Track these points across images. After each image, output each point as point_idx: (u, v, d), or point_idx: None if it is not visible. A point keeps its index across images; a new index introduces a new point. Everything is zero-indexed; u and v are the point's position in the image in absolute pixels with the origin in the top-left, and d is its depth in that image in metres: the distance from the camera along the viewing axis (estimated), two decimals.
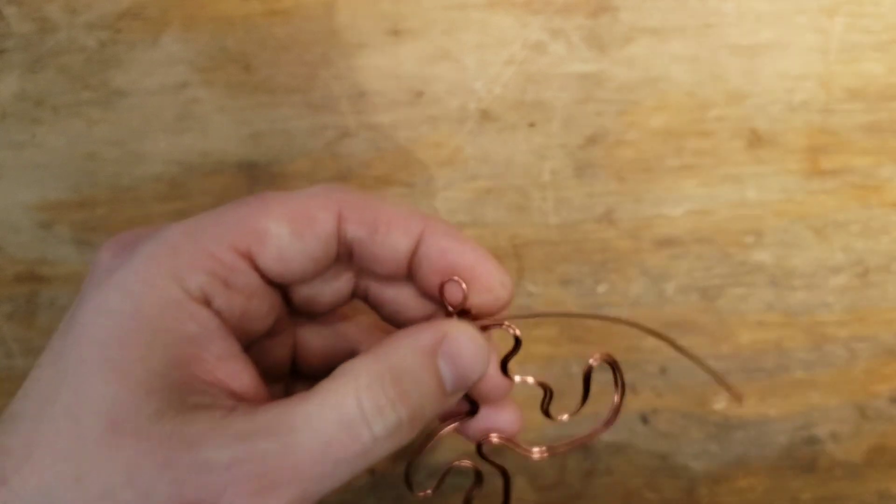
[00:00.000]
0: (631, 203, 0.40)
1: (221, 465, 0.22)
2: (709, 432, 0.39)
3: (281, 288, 0.28)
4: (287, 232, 0.26)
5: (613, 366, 0.31)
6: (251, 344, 0.28)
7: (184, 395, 0.23)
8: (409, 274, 0.28)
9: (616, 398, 0.31)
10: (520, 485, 0.39)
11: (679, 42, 0.41)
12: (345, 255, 0.28)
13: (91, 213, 0.41)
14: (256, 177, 0.41)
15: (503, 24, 0.41)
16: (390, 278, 0.29)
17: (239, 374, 0.25)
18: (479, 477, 0.31)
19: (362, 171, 0.41)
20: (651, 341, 0.40)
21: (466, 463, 0.31)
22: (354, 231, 0.27)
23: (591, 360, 0.31)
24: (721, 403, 0.39)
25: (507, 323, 0.28)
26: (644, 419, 0.39)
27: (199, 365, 0.24)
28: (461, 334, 0.27)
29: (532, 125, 0.41)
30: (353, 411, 0.24)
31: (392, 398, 0.24)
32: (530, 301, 0.40)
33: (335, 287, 0.30)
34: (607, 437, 0.39)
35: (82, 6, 0.42)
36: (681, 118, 0.41)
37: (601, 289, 0.40)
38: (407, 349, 0.26)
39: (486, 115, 0.41)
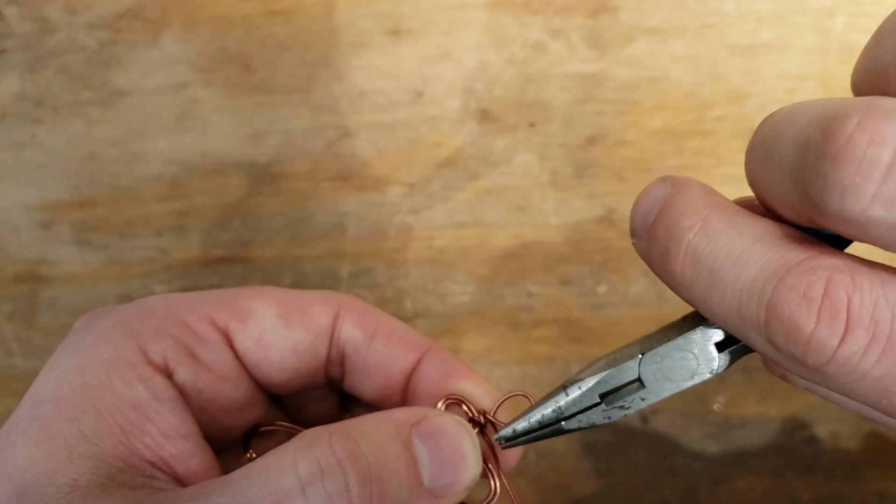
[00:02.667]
0: (631, 203, 0.40)
1: None
2: (709, 432, 0.39)
3: (263, 388, 0.25)
4: (273, 314, 0.23)
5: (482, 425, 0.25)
6: (230, 439, 0.24)
7: (114, 468, 0.20)
8: (404, 398, 0.25)
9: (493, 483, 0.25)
10: (520, 485, 0.39)
11: (679, 42, 0.41)
12: (337, 364, 0.25)
13: (91, 213, 0.41)
14: (256, 177, 0.41)
15: (503, 24, 0.41)
16: (379, 401, 0.25)
17: (186, 457, 0.21)
18: None
19: (362, 171, 0.41)
20: None
21: None
22: (350, 332, 0.24)
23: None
24: (721, 403, 0.40)
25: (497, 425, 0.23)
26: (644, 419, 0.39)
27: (139, 437, 0.21)
28: (445, 417, 0.22)
29: (532, 125, 0.41)
30: (285, 472, 0.19)
31: (338, 455, 0.19)
32: (530, 301, 0.40)
33: (326, 409, 0.27)
34: (607, 437, 0.39)
35: (82, 6, 0.42)
36: (681, 118, 0.41)
37: (601, 289, 0.40)
38: (375, 418, 0.22)
39: (486, 115, 0.41)
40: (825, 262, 0.17)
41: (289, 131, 0.41)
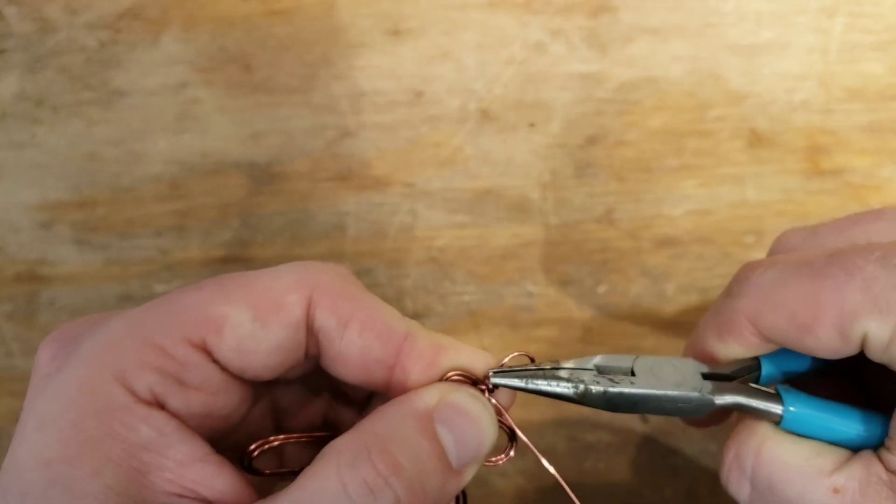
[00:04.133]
0: (631, 203, 0.40)
1: None
2: (709, 432, 0.39)
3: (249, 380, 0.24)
4: (248, 318, 0.22)
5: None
6: (228, 435, 0.24)
7: None
8: (389, 389, 0.24)
9: None
10: (520, 485, 0.39)
11: (679, 42, 0.41)
12: (313, 347, 0.24)
13: (91, 213, 0.41)
14: (256, 177, 0.41)
15: (503, 24, 0.41)
16: (360, 383, 0.25)
17: (210, 479, 0.22)
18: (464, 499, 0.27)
19: (362, 171, 0.41)
20: (651, 341, 0.40)
21: None
22: (323, 321, 0.23)
23: None
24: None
25: (497, 380, 0.25)
26: (644, 419, 0.39)
27: (159, 474, 0.21)
28: (459, 393, 0.23)
29: (532, 125, 0.41)
30: (337, 494, 0.20)
31: (383, 473, 0.20)
32: (530, 301, 0.40)
33: (305, 371, 0.26)
34: (607, 437, 0.39)
35: (82, 6, 0.42)
36: (681, 118, 0.41)
37: (601, 289, 0.40)
38: (396, 415, 0.22)
39: (486, 115, 0.41)
40: None
41: (289, 131, 0.41)
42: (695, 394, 0.24)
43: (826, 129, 0.41)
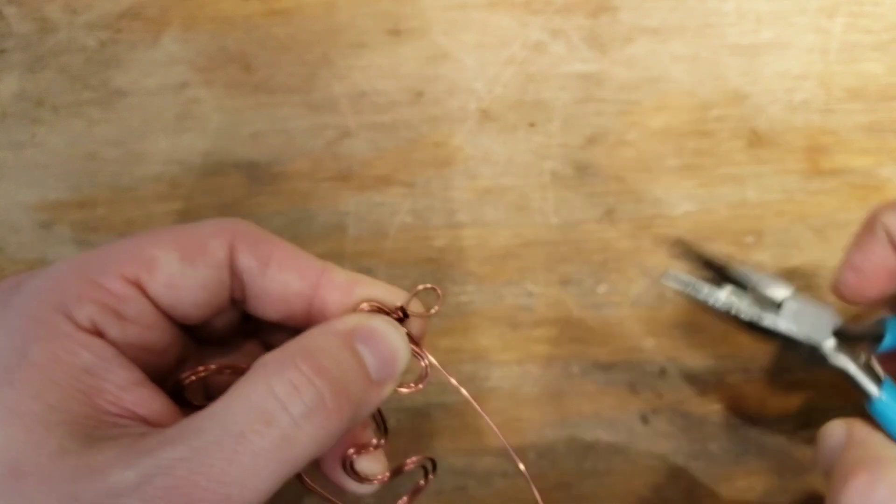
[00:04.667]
0: (631, 203, 0.40)
1: (130, 487, 0.20)
2: (709, 432, 0.39)
3: (181, 324, 0.26)
4: (176, 258, 0.25)
5: (427, 468, 0.30)
6: (163, 377, 0.26)
7: (89, 427, 0.22)
8: (310, 321, 0.26)
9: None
10: (520, 484, 0.39)
11: (679, 42, 0.41)
12: (238, 290, 0.26)
13: (91, 213, 0.41)
14: (256, 177, 0.41)
15: (503, 24, 0.41)
16: (285, 321, 0.27)
17: (148, 402, 0.23)
18: (433, 466, 0.30)
19: (362, 171, 0.41)
20: (651, 341, 0.40)
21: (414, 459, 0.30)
22: (245, 261, 0.26)
23: (407, 462, 0.29)
24: (721, 403, 0.40)
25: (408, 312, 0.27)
26: (644, 419, 0.39)
27: (100, 395, 0.23)
28: (374, 319, 0.26)
29: (532, 125, 0.41)
30: (264, 396, 0.22)
31: (307, 373, 0.22)
32: (530, 301, 0.40)
33: (232, 323, 0.28)
34: (607, 436, 0.39)
35: (82, 6, 0.42)
36: (681, 118, 0.41)
37: (601, 289, 0.40)
38: (319, 333, 0.25)
39: (486, 115, 0.41)
40: None
41: (289, 131, 0.41)
42: (815, 347, 0.30)
43: (826, 129, 0.41)
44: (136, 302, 0.24)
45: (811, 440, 0.39)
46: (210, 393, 0.27)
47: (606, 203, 0.40)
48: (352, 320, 0.25)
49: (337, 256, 0.40)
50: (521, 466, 0.30)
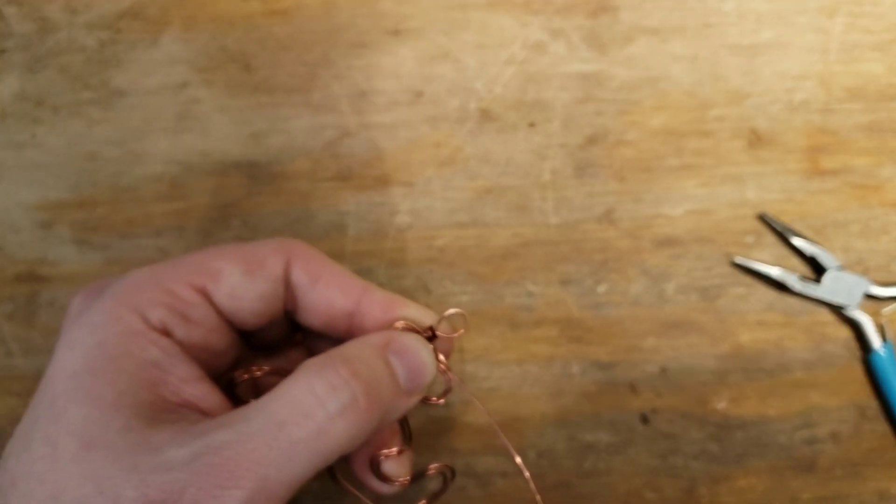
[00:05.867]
0: (631, 203, 0.40)
1: (182, 462, 0.23)
2: (709, 432, 0.39)
3: (238, 330, 0.30)
4: (239, 271, 0.28)
5: (446, 475, 0.33)
6: (219, 376, 0.29)
7: (153, 411, 0.25)
8: (350, 334, 0.30)
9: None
10: (520, 484, 0.39)
11: (679, 42, 0.41)
12: (291, 303, 0.30)
13: (91, 213, 0.41)
14: (256, 177, 0.41)
15: (503, 24, 0.41)
16: (328, 332, 0.30)
17: (205, 396, 0.26)
18: (452, 474, 0.33)
19: (362, 171, 0.41)
20: (651, 341, 0.40)
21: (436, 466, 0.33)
22: (298, 277, 0.29)
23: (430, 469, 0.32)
24: (722, 403, 0.40)
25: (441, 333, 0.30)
26: (644, 419, 0.40)
27: (165, 386, 0.26)
28: (406, 336, 0.29)
29: (532, 125, 0.41)
30: (304, 393, 0.25)
31: (344, 376, 0.25)
32: (530, 301, 0.40)
33: (283, 332, 0.32)
34: (607, 436, 0.39)
35: (82, 6, 0.42)
36: (681, 118, 0.41)
37: (601, 289, 0.40)
38: (357, 344, 0.28)
39: (486, 115, 0.41)
40: None
41: (289, 131, 0.41)
42: (839, 306, 0.39)
43: (826, 129, 0.41)
44: (201, 308, 0.28)
45: (811, 440, 0.39)
46: (259, 393, 0.30)
47: (606, 203, 0.40)
48: (387, 335, 0.28)
49: (337, 256, 0.40)
50: (524, 469, 0.32)
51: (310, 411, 0.24)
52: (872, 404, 0.40)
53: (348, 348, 0.27)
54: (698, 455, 0.39)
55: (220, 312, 0.28)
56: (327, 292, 0.29)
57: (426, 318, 0.30)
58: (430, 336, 0.30)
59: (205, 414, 0.26)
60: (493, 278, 0.40)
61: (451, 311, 0.30)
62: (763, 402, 0.39)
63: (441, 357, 0.30)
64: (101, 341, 0.26)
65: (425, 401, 0.30)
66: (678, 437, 0.39)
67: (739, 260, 0.39)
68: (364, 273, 0.40)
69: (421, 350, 0.29)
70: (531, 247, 0.40)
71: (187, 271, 0.28)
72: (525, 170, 0.41)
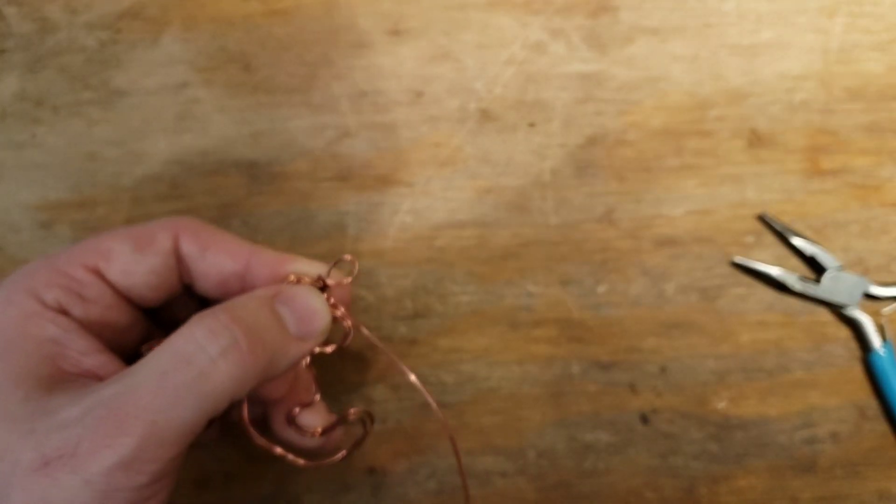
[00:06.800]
0: (631, 203, 0.40)
1: (75, 420, 0.24)
2: (709, 432, 0.39)
3: (142, 309, 0.31)
4: (129, 249, 0.30)
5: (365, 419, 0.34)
6: (130, 354, 0.30)
7: (52, 382, 0.26)
8: (242, 291, 0.30)
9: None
10: (520, 484, 0.39)
11: (679, 42, 0.41)
12: (186, 274, 0.31)
13: (91, 213, 0.41)
14: (256, 177, 0.41)
15: (503, 24, 0.41)
16: (222, 294, 0.31)
17: (105, 365, 0.28)
18: (371, 420, 0.34)
19: (362, 171, 0.41)
20: (651, 341, 0.40)
21: (355, 410, 0.34)
22: (187, 248, 0.30)
23: (351, 411, 0.34)
24: (722, 403, 0.40)
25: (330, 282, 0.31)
26: (644, 419, 0.40)
27: (64, 360, 0.27)
28: (295, 287, 0.30)
29: (532, 125, 0.41)
30: (186, 341, 0.26)
31: (224, 321, 0.26)
32: (530, 301, 0.40)
33: (188, 308, 0.32)
34: (607, 437, 0.39)
35: (82, 6, 0.42)
36: (681, 118, 0.41)
37: (601, 289, 0.40)
38: (243, 297, 0.29)
39: (486, 115, 0.41)
40: None
41: (289, 131, 0.41)
42: (842, 305, 0.39)
43: (826, 129, 0.41)
44: (95, 286, 0.29)
45: (811, 440, 0.39)
46: None
47: (606, 203, 0.40)
48: (275, 288, 0.29)
49: (337, 256, 0.40)
50: (413, 378, 0.33)
51: (191, 357, 0.25)
52: (872, 404, 0.40)
53: (234, 300, 0.28)
54: (698, 455, 0.39)
55: (115, 290, 0.29)
56: (216, 258, 0.30)
57: (317, 269, 0.31)
58: (323, 286, 0.31)
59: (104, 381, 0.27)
60: (493, 278, 0.40)
61: (342, 257, 0.32)
62: (763, 402, 0.39)
63: (336, 304, 0.31)
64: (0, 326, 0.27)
65: (322, 347, 0.31)
66: (678, 437, 0.39)
67: (739, 260, 0.39)
68: (364, 273, 0.40)
69: (309, 296, 0.29)
70: (531, 247, 0.40)
71: (80, 253, 0.29)
72: (525, 170, 0.41)
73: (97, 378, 0.27)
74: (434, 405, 0.33)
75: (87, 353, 0.28)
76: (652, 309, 0.40)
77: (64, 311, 0.28)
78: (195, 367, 0.25)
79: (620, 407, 0.40)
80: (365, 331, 0.32)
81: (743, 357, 0.40)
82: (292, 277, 0.31)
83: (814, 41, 0.41)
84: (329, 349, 0.32)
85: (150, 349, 0.30)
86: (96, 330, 0.29)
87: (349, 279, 0.32)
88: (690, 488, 0.39)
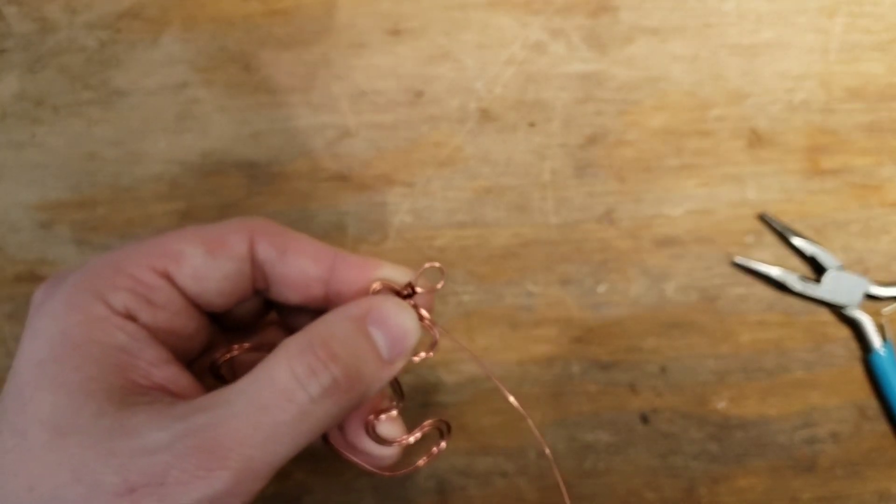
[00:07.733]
0: (631, 203, 0.40)
1: (162, 446, 0.23)
2: (709, 432, 0.39)
3: (208, 313, 0.29)
4: (201, 252, 0.28)
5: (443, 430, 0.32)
6: (192, 361, 0.29)
7: (124, 395, 0.24)
8: (328, 302, 0.29)
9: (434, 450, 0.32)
10: (521, 485, 0.39)
11: (679, 42, 0.41)
12: (261, 279, 0.29)
13: (91, 213, 0.41)
14: (256, 177, 0.41)
15: (503, 24, 0.41)
16: (305, 304, 0.30)
17: (176, 378, 0.26)
18: (448, 429, 0.32)
19: (362, 171, 0.41)
20: (651, 341, 0.40)
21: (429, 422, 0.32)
22: (265, 252, 0.28)
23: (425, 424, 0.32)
24: (722, 403, 0.40)
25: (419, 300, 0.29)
26: (644, 419, 0.40)
27: (134, 370, 0.25)
28: (386, 302, 0.28)
29: (532, 125, 0.41)
30: (286, 377, 0.25)
31: (323, 359, 0.25)
32: (530, 301, 0.40)
33: (255, 311, 0.31)
34: (607, 437, 0.39)
35: (82, 6, 0.42)
36: (681, 118, 0.41)
37: (601, 289, 0.40)
38: (334, 320, 0.27)
39: (486, 115, 0.41)
40: None
41: (289, 131, 0.41)
42: (842, 306, 0.39)
43: (826, 129, 0.41)
44: (165, 291, 0.27)
45: (811, 440, 0.39)
46: (235, 373, 0.29)
47: (606, 203, 0.40)
48: (364, 305, 0.27)
49: None
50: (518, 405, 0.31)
51: (292, 395, 0.24)
52: (872, 404, 0.40)
53: (326, 325, 0.26)
54: (698, 455, 0.39)
55: (184, 295, 0.28)
56: (298, 262, 0.29)
57: (403, 275, 0.29)
58: (410, 293, 0.29)
59: (176, 396, 0.26)
60: (493, 278, 0.40)
61: (428, 265, 0.30)
62: (763, 401, 0.39)
63: (424, 312, 0.29)
64: (64, 329, 0.25)
65: (412, 358, 0.29)
66: (678, 437, 0.39)
67: (739, 260, 0.39)
68: None
69: (401, 315, 0.28)
70: (531, 247, 0.40)
71: (148, 255, 0.27)
72: (525, 170, 0.41)
73: (169, 393, 0.26)
74: (516, 404, 0.32)
75: (156, 364, 0.26)
76: (652, 309, 0.40)
77: (132, 318, 0.26)
78: (295, 406, 0.24)
79: (620, 407, 0.40)
80: (453, 337, 0.31)
81: (743, 357, 0.40)
82: (377, 285, 0.29)
83: (814, 41, 0.41)
84: (417, 359, 0.30)
85: (224, 359, 0.29)
86: (163, 338, 0.27)
87: (439, 285, 0.30)
88: (690, 488, 0.39)
